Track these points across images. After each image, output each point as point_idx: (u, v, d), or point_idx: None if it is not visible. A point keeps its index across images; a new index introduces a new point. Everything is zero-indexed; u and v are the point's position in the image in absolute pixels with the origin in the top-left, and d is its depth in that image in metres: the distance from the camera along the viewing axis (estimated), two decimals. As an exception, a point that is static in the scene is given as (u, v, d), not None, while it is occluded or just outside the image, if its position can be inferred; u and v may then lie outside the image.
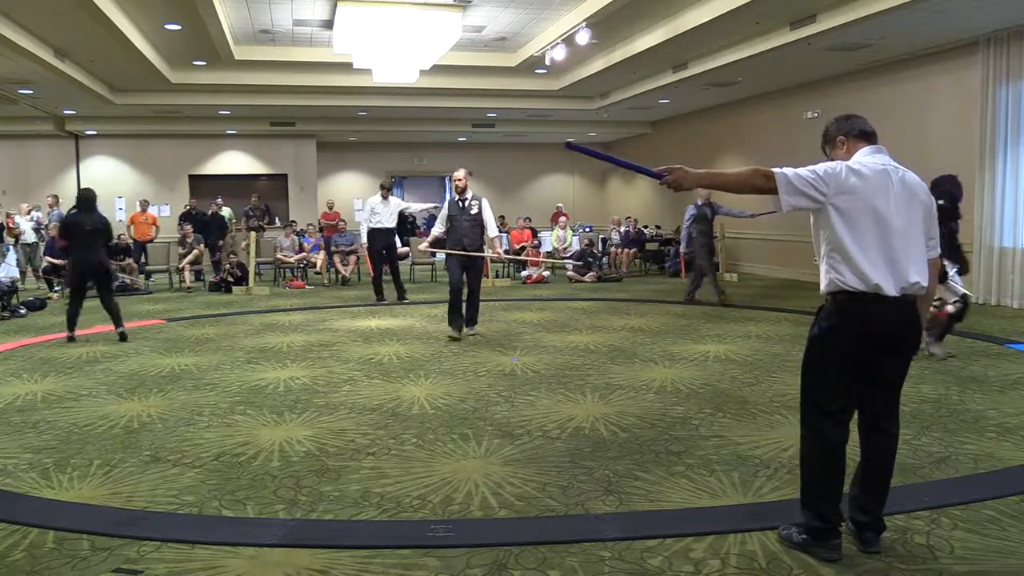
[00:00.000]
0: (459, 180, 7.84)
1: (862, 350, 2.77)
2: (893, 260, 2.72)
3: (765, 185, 2.73)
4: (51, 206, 13.99)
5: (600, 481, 3.67)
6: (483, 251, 7.95)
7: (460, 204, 7.80)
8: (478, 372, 6.16)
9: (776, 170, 2.74)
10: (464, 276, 7.71)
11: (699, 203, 10.09)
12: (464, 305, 7.73)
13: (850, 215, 2.73)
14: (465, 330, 7.70)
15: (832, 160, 2.90)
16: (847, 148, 2.91)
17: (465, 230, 7.71)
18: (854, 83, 11.63)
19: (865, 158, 2.83)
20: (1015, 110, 9.07)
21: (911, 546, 2.91)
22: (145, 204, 14.59)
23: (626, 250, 15.04)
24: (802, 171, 2.75)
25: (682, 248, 10.95)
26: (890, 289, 2.70)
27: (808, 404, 2.91)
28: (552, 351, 6.97)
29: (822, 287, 2.85)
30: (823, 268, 2.83)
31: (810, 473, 2.92)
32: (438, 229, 7.95)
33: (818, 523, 2.85)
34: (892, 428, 2.91)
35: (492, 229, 7.91)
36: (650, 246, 15.77)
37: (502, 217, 18.51)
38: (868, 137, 2.90)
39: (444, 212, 7.86)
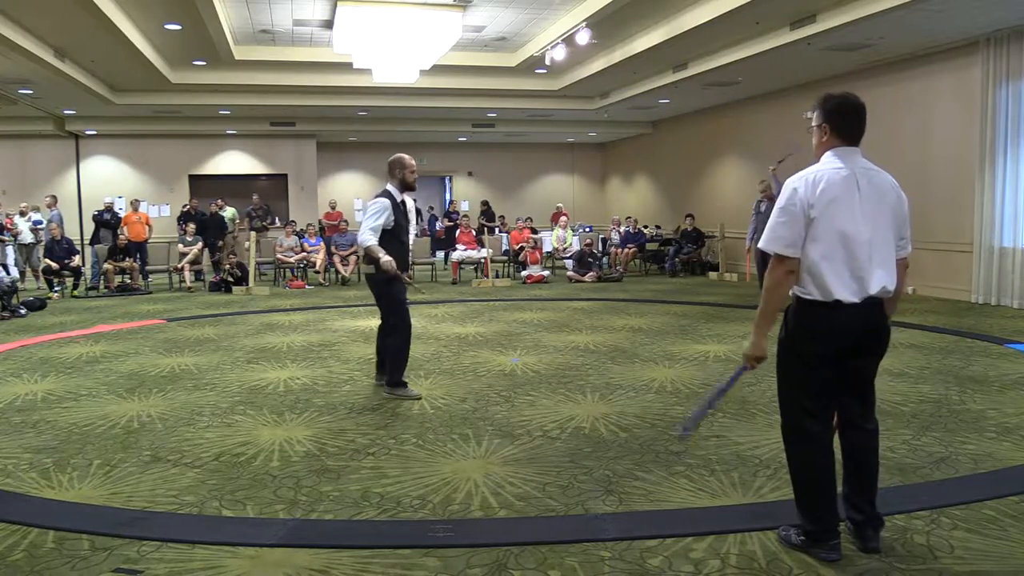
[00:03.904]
0: (415, 171, 5.45)
1: (827, 353, 2.77)
2: (859, 274, 2.71)
3: (785, 271, 2.74)
4: (49, 206, 13.99)
5: (600, 481, 3.67)
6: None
7: (404, 207, 5.41)
8: (478, 372, 6.15)
9: (768, 248, 2.76)
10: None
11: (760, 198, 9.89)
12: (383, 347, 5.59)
13: (814, 227, 2.71)
14: (376, 380, 5.69)
15: (811, 133, 2.89)
16: (825, 140, 2.83)
17: (408, 244, 5.51)
18: (854, 83, 11.61)
19: (828, 164, 2.77)
20: (1015, 110, 9.07)
21: (911, 546, 2.91)
22: (136, 204, 14.54)
23: (626, 250, 15.04)
24: (778, 224, 2.75)
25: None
26: (852, 298, 2.70)
27: (787, 405, 2.90)
28: (552, 351, 6.97)
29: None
30: None
31: (800, 477, 2.89)
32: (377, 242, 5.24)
33: (815, 526, 2.85)
34: (869, 424, 2.90)
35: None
36: (650, 246, 15.77)
37: (502, 217, 18.56)
38: (847, 139, 2.81)
39: (385, 217, 5.21)
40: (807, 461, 2.86)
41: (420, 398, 5.32)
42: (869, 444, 2.89)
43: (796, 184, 2.76)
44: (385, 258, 5.12)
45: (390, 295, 5.31)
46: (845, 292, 2.70)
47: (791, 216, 2.72)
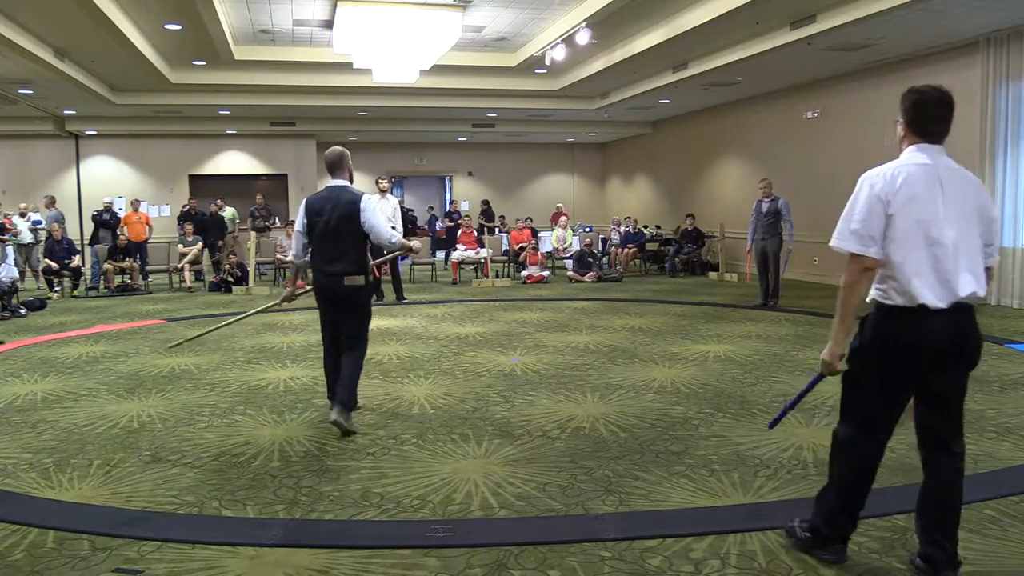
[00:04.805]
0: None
1: (908, 366, 2.55)
2: (945, 276, 2.49)
3: (860, 269, 2.53)
4: (47, 207, 14.00)
5: (600, 481, 3.67)
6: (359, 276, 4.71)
7: None
8: (478, 372, 6.15)
9: (841, 246, 2.56)
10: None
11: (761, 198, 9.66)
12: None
13: (893, 226, 2.51)
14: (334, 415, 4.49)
15: (898, 128, 2.70)
16: (903, 137, 2.67)
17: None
18: (854, 83, 11.63)
19: (908, 159, 2.59)
20: (1015, 110, 9.07)
21: (912, 546, 2.90)
22: (136, 204, 14.55)
23: (626, 250, 15.04)
24: (854, 219, 2.54)
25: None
26: (939, 304, 2.48)
27: (848, 413, 2.74)
28: (552, 351, 6.97)
29: (867, 295, 2.63)
30: None
31: (834, 480, 2.78)
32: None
33: (826, 529, 2.79)
34: (956, 447, 2.63)
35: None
36: (650, 246, 15.78)
37: (502, 217, 18.56)
38: (927, 136, 2.60)
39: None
40: (846, 474, 2.73)
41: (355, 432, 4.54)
42: (956, 467, 2.63)
43: (873, 179, 2.56)
44: (416, 242, 5.24)
45: (370, 308, 4.90)
46: (931, 296, 2.48)
47: (868, 211, 2.52)
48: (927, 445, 2.66)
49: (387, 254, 5.49)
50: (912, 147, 2.61)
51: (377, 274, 10.39)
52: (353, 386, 4.66)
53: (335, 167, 4.76)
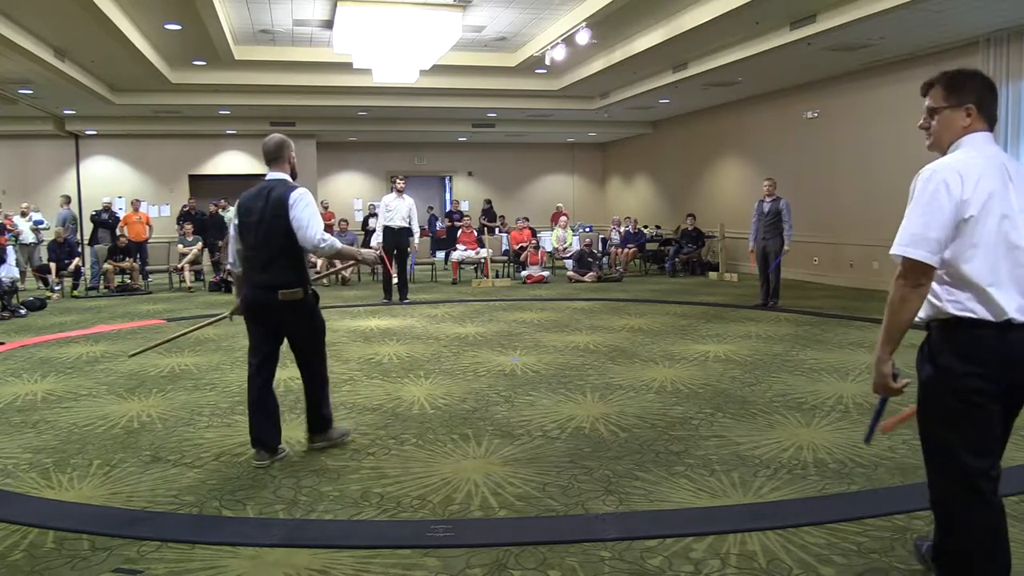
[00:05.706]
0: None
1: (995, 389, 2.17)
2: None
3: (915, 283, 2.15)
4: (62, 206, 14.05)
5: (600, 481, 3.67)
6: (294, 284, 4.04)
7: None
8: (478, 372, 6.15)
9: (905, 253, 2.15)
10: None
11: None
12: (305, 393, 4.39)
13: (972, 230, 2.14)
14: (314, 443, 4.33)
15: (945, 117, 2.30)
16: (968, 125, 2.27)
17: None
18: (854, 83, 11.63)
19: (976, 150, 2.23)
20: (1015, 110, 9.07)
21: (911, 546, 2.91)
22: (137, 204, 14.57)
23: (626, 250, 15.04)
24: (920, 223, 2.14)
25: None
26: (1021, 318, 2.15)
27: (943, 467, 2.26)
28: (552, 351, 6.97)
29: (924, 312, 2.25)
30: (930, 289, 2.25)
31: (975, 550, 2.25)
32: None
33: None
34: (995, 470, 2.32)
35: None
36: (650, 246, 15.78)
37: (502, 217, 18.56)
38: (991, 123, 2.31)
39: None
40: (985, 531, 2.23)
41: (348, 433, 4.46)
42: (995, 491, 2.33)
43: (945, 175, 2.15)
44: (367, 250, 4.76)
45: (322, 320, 4.28)
46: (1014, 309, 2.14)
47: (940, 214, 2.13)
48: None
49: (338, 263, 4.89)
50: (974, 135, 2.25)
51: (388, 269, 10.50)
52: (325, 410, 4.27)
53: (272, 157, 4.08)
